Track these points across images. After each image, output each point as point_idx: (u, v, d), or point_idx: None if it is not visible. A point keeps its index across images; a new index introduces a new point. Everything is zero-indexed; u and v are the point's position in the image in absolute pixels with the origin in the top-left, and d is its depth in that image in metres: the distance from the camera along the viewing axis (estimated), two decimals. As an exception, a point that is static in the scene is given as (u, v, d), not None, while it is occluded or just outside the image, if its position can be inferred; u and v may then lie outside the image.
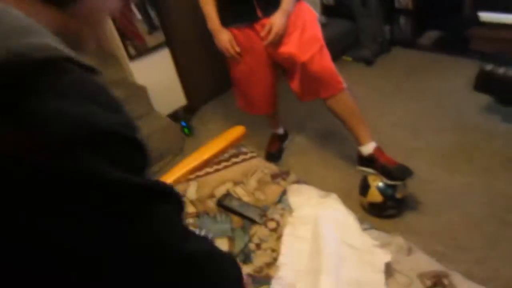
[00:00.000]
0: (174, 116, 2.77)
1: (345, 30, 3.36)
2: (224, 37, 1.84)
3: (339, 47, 3.26)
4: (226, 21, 1.85)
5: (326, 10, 3.57)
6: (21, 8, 0.40)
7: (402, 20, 3.28)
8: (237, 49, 1.86)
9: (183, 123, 2.72)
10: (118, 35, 2.42)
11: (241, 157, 1.39)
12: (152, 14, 2.56)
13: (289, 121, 2.53)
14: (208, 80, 3.02)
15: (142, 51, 2.55)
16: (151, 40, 2.59)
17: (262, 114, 2.22)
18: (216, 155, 1.43)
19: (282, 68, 1.96)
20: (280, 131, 2.41)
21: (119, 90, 2.56)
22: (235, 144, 1.49)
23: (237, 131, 1.51)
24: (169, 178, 1.35)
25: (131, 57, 2.51)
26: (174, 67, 2.79)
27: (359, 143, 1.86)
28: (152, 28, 2.57)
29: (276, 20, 1.73)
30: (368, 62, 3.23)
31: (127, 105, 0.45)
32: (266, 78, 1.96)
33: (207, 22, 1.87)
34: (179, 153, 2.57)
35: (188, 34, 2.76)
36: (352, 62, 3.32)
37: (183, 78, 2.87)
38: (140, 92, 2.59)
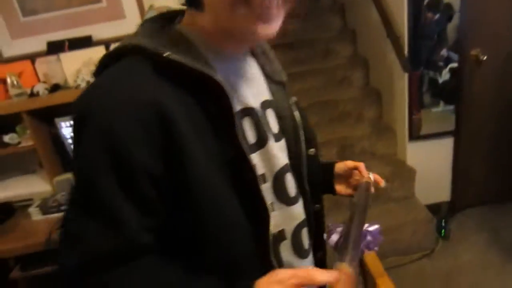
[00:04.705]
0: (433, 209, 2.45)
1: None
2: None
3: None
4: None
5: None
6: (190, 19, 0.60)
7: None
8: None
9: (443, 223, 2.36)
10: (407, 114, 2.33)
11: None
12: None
13: None
14: (486, 182, 2.55)
15: (425, 135, 2.37)
16: (438, 125, 2.39)
17: None
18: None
19: None
20: None
21: (387, 166, 2.46)
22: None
23: None
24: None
25: (412, 138, 2.38)
26: (452, 158, 2.49)
27: None
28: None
29: None
30: None
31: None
32: None
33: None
34: (429, 255, 2.23)
35: (484, 126, 2.41)
36: None
37: (457, 172, 2.52)
38: (408, 174, 2.41)
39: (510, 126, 2.37)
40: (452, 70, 2.31)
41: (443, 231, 2.36)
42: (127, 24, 1.72)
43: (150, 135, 0.50)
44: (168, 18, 0.63)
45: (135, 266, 0.53)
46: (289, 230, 0.69)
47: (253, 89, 0.66)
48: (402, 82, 2.32)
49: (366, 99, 2.81)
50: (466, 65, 2.28)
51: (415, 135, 2.39)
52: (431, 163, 2.47)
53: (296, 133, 0.72)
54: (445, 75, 2.36)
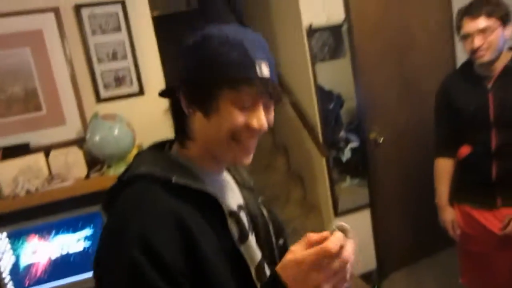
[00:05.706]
0: (365, 278, 2.63)
1: None
2: (447, 217, 1.83)
3: None
4: (459, 197, 1.81)
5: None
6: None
7: None
8: (458, 232, 1.79)
9: (377, 290, 2.54)
10: (330, 192, 2.60)
11: None
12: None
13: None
14: (403, 245, 2.87)
15: (346, 210, 2.65)
16: (350, 199, 2.70)
17: None
18: None
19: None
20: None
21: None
22: None
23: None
24: None
25: (337, 214, 2.63)
26: (372, 228, 2.78)
27: None
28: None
29: None
30: None
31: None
32: (504, 263, 1.74)
33: (436, 195, 1.87)
34: (371, 323, 2.34)
35: (392, 196, 2.78)
36: None
37: (378, 241, 2.80)
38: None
39: (412, 194, 2.78)
40: (352, 149, 2.70)
41: (378, 297, 2.53)
42: (67, 130, 1.74)
43: (174, 238, 0.64)
44: (159, 146, 0.80)
45: None
46: None
47: (232, 196, 0.82)
48: (321, 165, 2.63)
49: (290, 182, 3.07)
50: (367, 147, 2.70)
51: (339, 211, 2.65)
52: (356, 235, 2.71)
53: (266, 227, 0.87)
54: (347, 154, 2.74)
